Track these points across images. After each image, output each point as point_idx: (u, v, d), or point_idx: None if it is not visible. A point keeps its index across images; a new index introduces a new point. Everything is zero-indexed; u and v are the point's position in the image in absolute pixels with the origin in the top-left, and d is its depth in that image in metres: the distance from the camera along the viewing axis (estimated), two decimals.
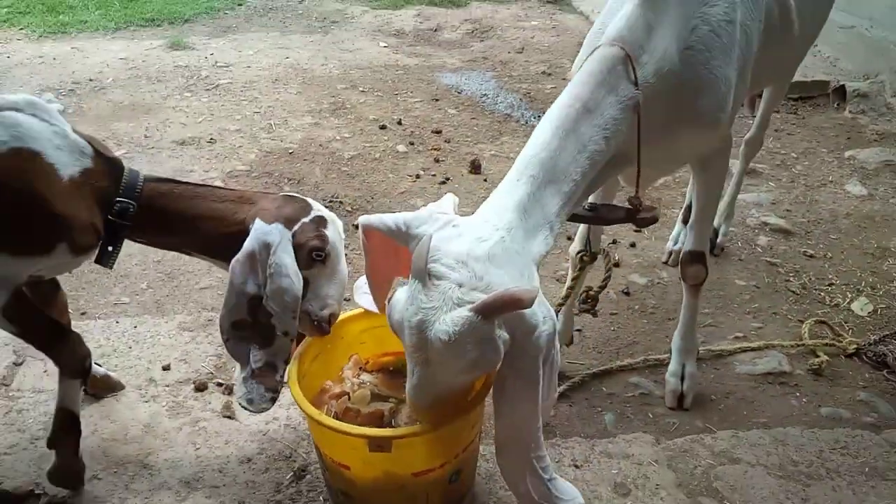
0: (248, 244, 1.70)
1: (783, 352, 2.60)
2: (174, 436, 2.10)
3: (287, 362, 1.77)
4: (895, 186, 3.82)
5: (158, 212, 1.78)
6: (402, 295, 1.44)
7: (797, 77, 5.00)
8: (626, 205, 1.89)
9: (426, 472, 1.67)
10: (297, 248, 1.74)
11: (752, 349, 2.60)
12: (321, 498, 1.93)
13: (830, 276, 3.09)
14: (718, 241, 3.21)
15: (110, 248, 1.78)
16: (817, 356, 2.57)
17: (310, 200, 1.87)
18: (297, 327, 1.77)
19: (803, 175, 3.95)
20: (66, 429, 1.90)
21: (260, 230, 1.71)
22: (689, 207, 3.12)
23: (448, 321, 1.33)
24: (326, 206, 3.32)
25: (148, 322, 2.58)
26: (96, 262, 1.81)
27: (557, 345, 1.54)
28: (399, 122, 4.39)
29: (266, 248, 1.70)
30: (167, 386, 2.28)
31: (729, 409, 2.36)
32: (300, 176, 3.76)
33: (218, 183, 3.64)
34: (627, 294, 2.96)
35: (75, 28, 5.84)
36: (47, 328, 1.84)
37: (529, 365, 1.42)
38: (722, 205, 3.22)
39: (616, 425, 2.27)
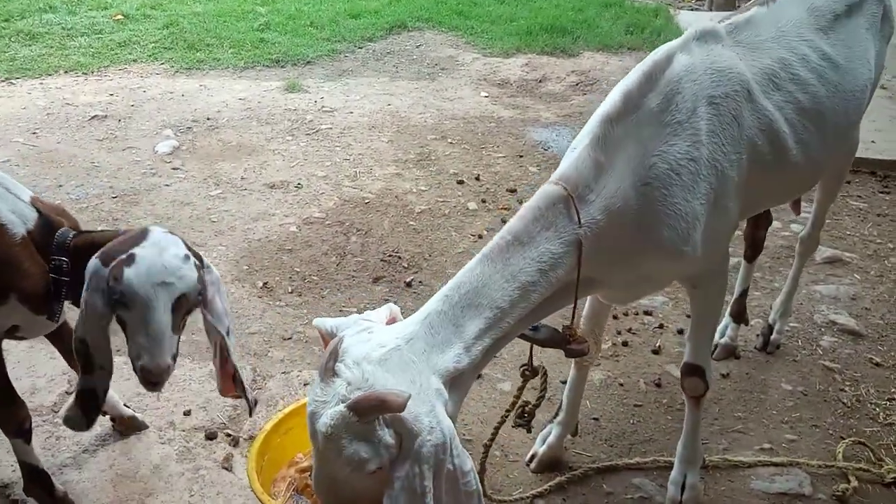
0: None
1: (809, 471, 2.45)
2: (176, 480, 2.30)
3: (106, 392, 1.76)
4: None
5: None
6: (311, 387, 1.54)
7: None
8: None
9: None
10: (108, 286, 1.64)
11: (774, 464, 2.47)
12: None
13: (893, 390, 2.86)
14: (773, 338, 3.05)
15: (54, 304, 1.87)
16: (848, 481, 2.40)
17: (151, 229, 1.72)
18: (111, 360, 1.74)
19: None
20: (30, 478, 2.14)
21: (89, 267, 1.67)
22: (737, 301, 3.00)
23: (328, 415, 1.42)
24: (384, 262, 3.63)
25: (185, 366, 2.80)
26: (47, 317, 1.91)
27: (470, 465, 1.54)
28: (477, 178, 4.48)
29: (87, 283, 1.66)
30: (183, 431, 2.49)
31: None
32: (368, 227, 3.94)
33: (293, 229, 3.91)
34: (659, 386, 2.88)
35: (208, 65, 6.39)
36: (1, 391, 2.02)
37: (413, 473, 1.44)
38: (777, 302, 3.07)
39: None
